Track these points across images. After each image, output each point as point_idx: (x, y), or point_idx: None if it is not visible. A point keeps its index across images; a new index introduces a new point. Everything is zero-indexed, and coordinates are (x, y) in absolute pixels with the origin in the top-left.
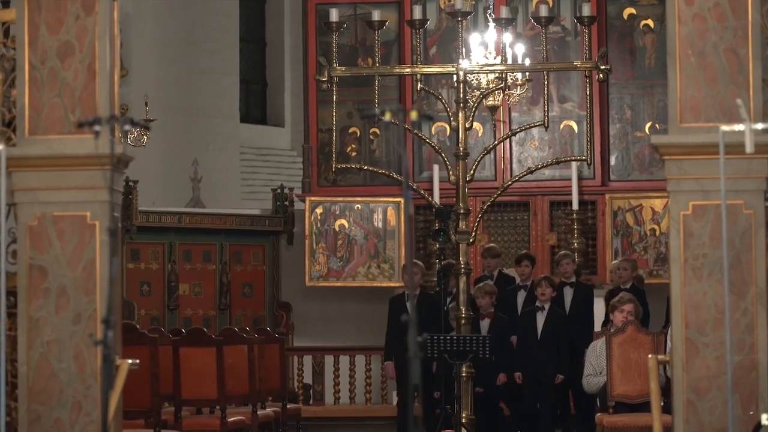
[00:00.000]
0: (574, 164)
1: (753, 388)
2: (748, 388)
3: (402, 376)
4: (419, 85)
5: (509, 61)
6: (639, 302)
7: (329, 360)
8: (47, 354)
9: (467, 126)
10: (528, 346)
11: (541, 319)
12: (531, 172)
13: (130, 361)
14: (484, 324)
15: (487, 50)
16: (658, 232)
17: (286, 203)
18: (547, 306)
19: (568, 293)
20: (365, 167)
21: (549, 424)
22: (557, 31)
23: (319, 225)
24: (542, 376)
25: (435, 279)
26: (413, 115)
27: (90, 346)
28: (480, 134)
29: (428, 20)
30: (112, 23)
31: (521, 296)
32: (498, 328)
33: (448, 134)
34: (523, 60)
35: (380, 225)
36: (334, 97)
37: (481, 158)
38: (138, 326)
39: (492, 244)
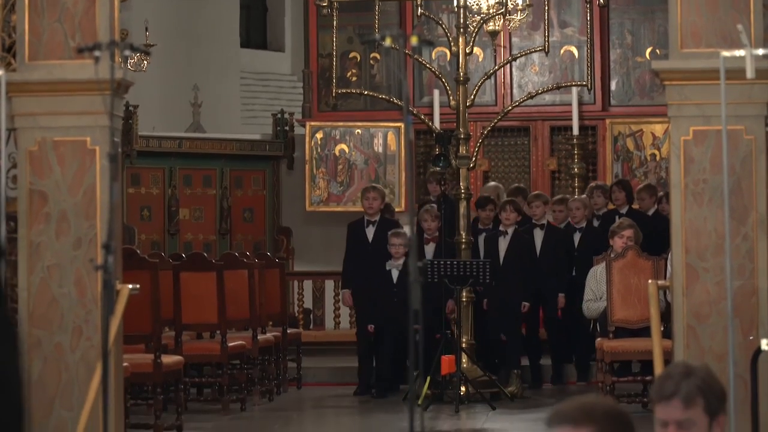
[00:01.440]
0: (574, 89)
1: (753, 314)
2: (748, 313)
3: (362, 306)
4: (419, 10)
5: None
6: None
7: (329, 285)
8: (48, 279)
9: (467, 51)
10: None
11: (504, 244)
12: (531, 97)
13: (130, 286)
14: (429, 248)
15: None
16: (658, 157)
17: (287, 128)
18: (510, 231)
19: (539, 236)
20: (365, 92)
21: (515, 352)
22: None
23: (319, 150)
24: (507, 301)
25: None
26: (413, 40)
27: (90, 271)
28: (480, 59)
29: None
30: None
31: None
32: (443, 253)
33: (448, 59)
34: None
35: (380, 150)
36: (335, 22)
37: (482, 83)
38: (138, 251)
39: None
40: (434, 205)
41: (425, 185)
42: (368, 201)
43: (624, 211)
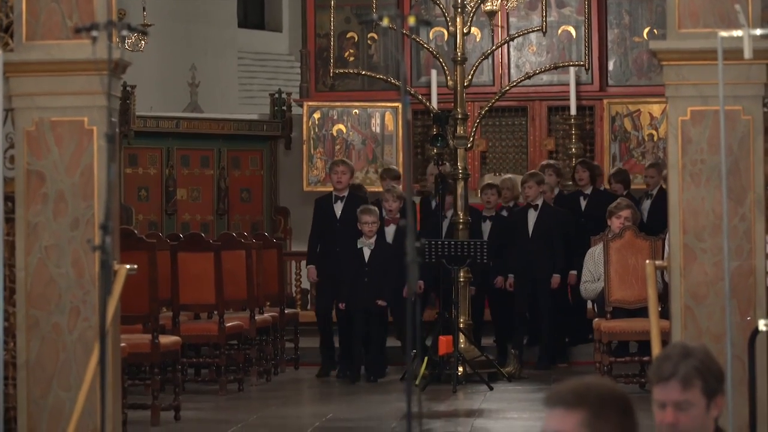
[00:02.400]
0: (572, 69)
1: (750, 294)
2: (746, 293)
3: (323, 284)
4: None
5: None
6: None
7: None
8: (45, 259)
9: (465, 31)
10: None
11: (486, 228)
12: (529, 77)
13: (128, 266)
14: (389, 230)
15: None
16: (656, 138)
17: (284, 108)
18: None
19: (532, 216)
20: (363, 72)
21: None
22: None
23: (316, 130)
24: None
25: (432, 185)
26: (411, 20)
27: (88, 251)
28: (478, 39)
29: None
30: None
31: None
32: (402, 236)
33: (446, 39)
34: None
35: (378, 130)
36: (332, 2)
37: (479, 63)
38: (136, 231)
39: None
40: (397, 186)
41: (423, 165)
42: (337, 175)
43: (588, 191)
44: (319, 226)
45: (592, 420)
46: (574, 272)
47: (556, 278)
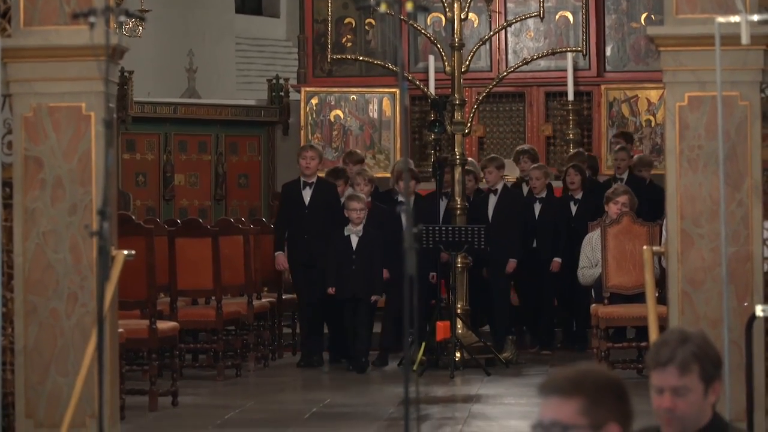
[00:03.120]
0: (569, 55)
1: (748, 280)
2: (743, 279)
3: (297, 272)
4: None
5: None
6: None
7: None
8: (43, 245)
9: (463, 17)
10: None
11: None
12: (526, 63)
13: (125, 252)
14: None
15: None
16: (653, 123)
17: (282, 94)
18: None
19: (492, 201)
20: (361, 58)
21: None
22: None
23: (314, 115)
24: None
25: (430, 170)
26: (409, 5)
27: (86, 237)
28: (476, 25)
29: None
30: None
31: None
32: (377, 218)
33: (443, 25)
34: None
35: (376, 116)
36: None
37: (477, 49)
38: (134, 217)
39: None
40: (366, 169)
41: (420, 151)
42: (305, 160)
43: (579, 196)
44: (287, 212)
45: (589, 407)
46: (558, 260)
47: (555, 262)
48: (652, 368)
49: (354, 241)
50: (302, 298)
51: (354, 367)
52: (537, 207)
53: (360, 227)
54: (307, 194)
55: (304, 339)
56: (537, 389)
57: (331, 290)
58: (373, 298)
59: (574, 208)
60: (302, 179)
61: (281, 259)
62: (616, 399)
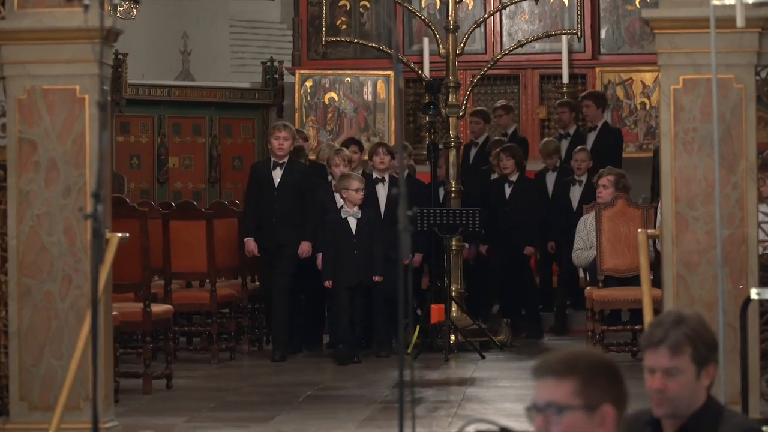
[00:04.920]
0: (564, 37)
1: (743, 262)
2: (738, 262)
3: (265, 258)
4: None
5: None
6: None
7: None
8: (37, 227)
9: None
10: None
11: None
12: (521, 46)
13: (120, 234)
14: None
15: None
16: (648, 106)
17: (276, 76)
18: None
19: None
20: (355, 40)
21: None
22: None
23: (309, 98)
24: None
25: (425, 153)
26: None
27: (80, 219)
28: (470, 7)
29: None
30: None
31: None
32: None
33: (438, 7)
34: None
35: (370, 98)
36: None
37: (471, 31)
38: (128, 199)
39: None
40: (343, 149)
41: (414, 133)
42: (278, 141)
43: (514, 178)
44: (256, 194)
45: (583, 387)
46: (532, 249)
47: (529, 249)
48: (645, 348)
49: (353, 224)
50: (266, 285)
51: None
52: (507, 189)
53: (357, 208)
54: (277, 175)
55: (276, 331)
56: (531, 371)
57: (327, 284)
58: (375, 278)
59: (508, 191)
60: (273, 159)
61: (251, 245)
62: (610, 380)
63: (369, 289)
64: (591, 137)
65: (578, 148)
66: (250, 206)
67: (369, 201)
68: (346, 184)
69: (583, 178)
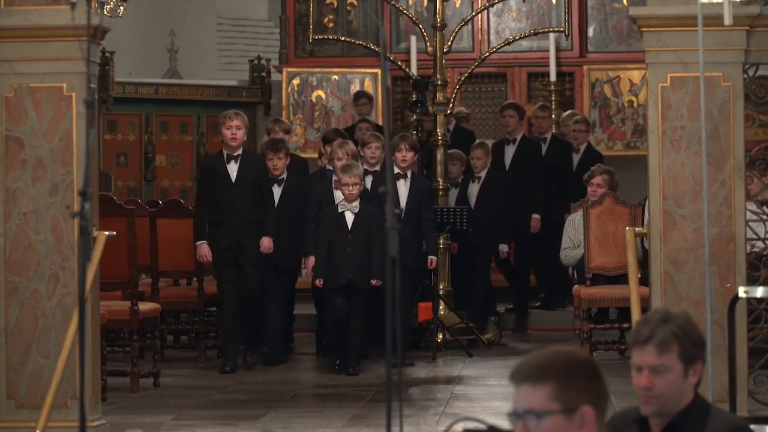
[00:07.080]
0: (551, 35)
1: (730, 260)
2: (726, 260)
3: (220, 260)
4: None
5: None
6: None
7: None
8: (24, 225)
9: None
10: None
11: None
12: (509, 44)
13: (107, 232)
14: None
15: None
16: (636, 104)
17: (263, 74)
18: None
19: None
20: (342, 38)
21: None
22: None
23: (296, 96)
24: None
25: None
26: None
27: (67, 217)
28: (457, 5)
29: None
30: None
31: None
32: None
33: (425, 5)
34: None
35: None
36: None
37: (459, 29)
38: (115, 197)
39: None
40: (349, 142)
41: (403, 131)
42: (231, 131)
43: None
44: (210, 192)
45: (560, 391)
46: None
47: (503, 247)
48: (632, 346)
49: (349, 219)
50: (225, 292)
51: (344, 365)
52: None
53: (355, 203)
54: (233, 169)
55: (225, 342)
56: (508, 377)
57: (319, 282)
58: (373, 282)
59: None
60: (225, 152)
61: (204, 249)
62: (587, 379)
63: (372, 295)
64: (509, 150)
65: (476, 142)
66: (202, 206)
67: (376, 198)
68: (339, 176)
69: (482, 174)
